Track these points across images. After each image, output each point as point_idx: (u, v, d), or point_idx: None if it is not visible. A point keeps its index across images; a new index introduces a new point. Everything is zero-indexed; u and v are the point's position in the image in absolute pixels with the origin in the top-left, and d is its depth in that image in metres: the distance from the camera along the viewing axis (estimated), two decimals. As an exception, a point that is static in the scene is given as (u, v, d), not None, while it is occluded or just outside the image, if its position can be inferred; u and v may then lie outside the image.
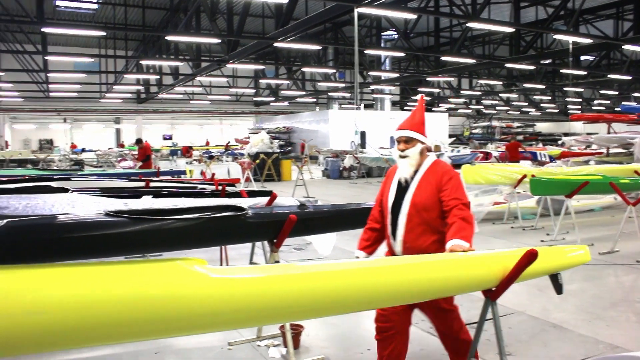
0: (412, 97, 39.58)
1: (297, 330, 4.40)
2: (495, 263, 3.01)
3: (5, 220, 3.42)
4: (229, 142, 34.74)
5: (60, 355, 4.40)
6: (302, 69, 30.89)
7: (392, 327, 3.40)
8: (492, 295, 3.04)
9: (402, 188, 3.44)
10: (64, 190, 5.42)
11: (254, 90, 37.34)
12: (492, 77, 32.45)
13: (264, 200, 4.77)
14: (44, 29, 17.31)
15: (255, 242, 4.65)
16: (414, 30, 23.13)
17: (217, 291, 2.21)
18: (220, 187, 5.74)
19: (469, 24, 17.49)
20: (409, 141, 3.46)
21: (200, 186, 6.42)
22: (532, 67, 26.98)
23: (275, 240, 3.86)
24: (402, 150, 3.45)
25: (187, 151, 30.54)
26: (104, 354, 4.43)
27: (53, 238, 3.41)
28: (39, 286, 2.11)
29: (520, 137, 38.35)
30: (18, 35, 26.58)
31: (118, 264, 2.33)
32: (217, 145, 35.79)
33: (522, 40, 22.54)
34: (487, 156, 21.63)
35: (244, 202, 4.32)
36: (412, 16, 19.11)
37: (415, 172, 3.44)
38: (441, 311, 3.52)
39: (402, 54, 26.37)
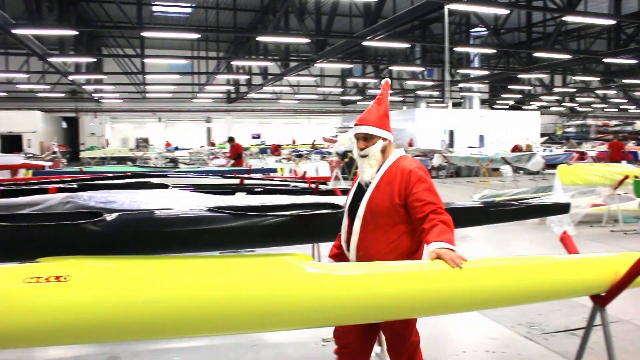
0: (502, 95, 38.42)
1: (391, 330, 4.36)
2: (605, 267, 2.85)
3: (116, 214, 3.61)
4: (314, 141, 35.05)
5: (160, 343, 4.59)
6: (389, 68, 30.64)
7: (347, 344, 3.04)
8: (601, 301, 2.90)
9: (362, 190, 3.04)
10: (164, 186, 5.65)
11: (341, 89, 37.48)
12: (587, 73, 30.88)
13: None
14: (143, 33, 18.12)
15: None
16: (504, 26, 22.42)
17: (323, 287, 2.22)
18: (312, 185, 5.79)
19: (564, 18, 16.74)
20: (368, 138, 3.04)
21: (292, 184, 6.50)
22: (633, 62, 25.49)
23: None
24: (362, 149, 3.04)
25: (276, 149, 31.06)
26: (201, 344, 4.57)
27: (160, 231, 3.56)
28: (155, 276, 2.20)
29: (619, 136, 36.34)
30: (119, 40, 28.06)
31: (226, 258, 2.40)
32: (303, 144, 36.19)
33: (622, 33, 21.32)
34: (582, 156, 20.71)
35: (338, 200, 4.33)
36: (504, 11, 18.49)
37: (377, 171, 3.04)
38: (398, 337, 3.01)
39: (493, 51, 25.65)
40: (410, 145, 28.20)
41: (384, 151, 3.05)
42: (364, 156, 3.02)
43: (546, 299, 3.03)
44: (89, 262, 2.26)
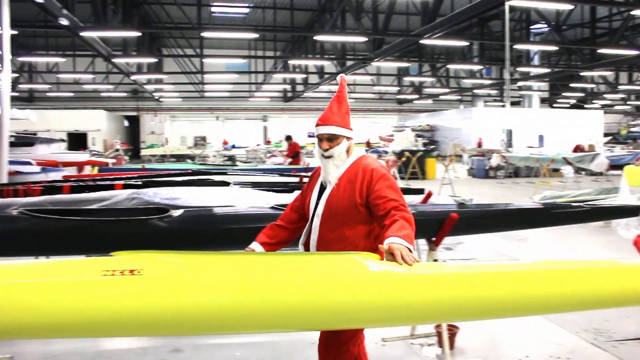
0: (563, 94, 37.35)
1: (452, 331, 4.31)
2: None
3: (181, 210, 3.71)
4: (369, 140, 34.93)
5: (222, 338, 4.68)
6: (446, 66, 30.27)
7: None
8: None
9: (322, 189, 2.95)
10: (225, 184, 5.75)
11: (398, 88, 37.23)
12: (656, 70, 29.73)
13: (417, 198, 4.72)
14: (203, 34, 18.48)
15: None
16: (566, 22, 21.77)
17: (389, 286, 2.22)
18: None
19: (633, 12, 16.11)
20: (332, 139, 2.91)
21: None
22: None
23: (434, 239, 3.81)
24: (326, 150, 2.89)
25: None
26: (262, 340, 4.64)
27: (223, 228, 3.64)
28: (223, 272, 2.25)
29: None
30: (179, 40, 28.75)
31: (293, 255, 2.42)
32: (358, 143, 36.04)
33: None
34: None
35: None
36: (568, 6, 17.97)
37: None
38: (338, 345, 2.87)
39: (554, 48, 24.95)
40: (480, 145, 27.55)
41: (348, 151, 2.96)
42: (328, 157, 2.89)
43: (618, 305, 2.91)
44: (160, 256, 2.33)
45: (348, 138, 2.96)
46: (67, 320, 2.12)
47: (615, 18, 22.60)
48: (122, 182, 6.01)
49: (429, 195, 4.41)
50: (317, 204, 2.91)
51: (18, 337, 2.58)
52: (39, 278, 2.22)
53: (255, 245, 2.91)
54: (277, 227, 3.04)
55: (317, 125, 2.97)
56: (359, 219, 2.84)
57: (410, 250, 2.46)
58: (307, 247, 2.96)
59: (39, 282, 2.19)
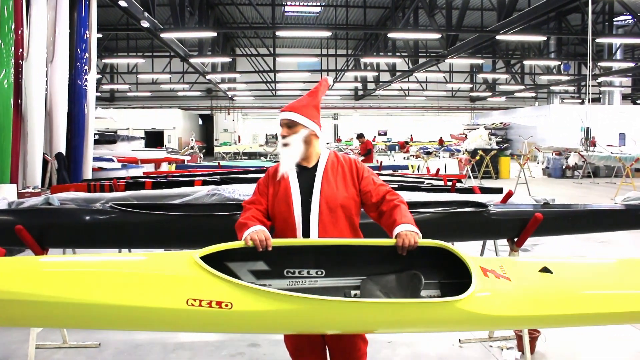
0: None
1: (533, 335, 4.19)
2: None
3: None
4: (441, 138, 34.44)
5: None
6: (522, 62, 29.42)
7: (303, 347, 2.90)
8: None
9: (303, 186, 2.80)
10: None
11: (470, 85, 36.51)
12: None
13: (497, 197, 4.62)
14: (278, 33, 18.72)
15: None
16: (654, 13, 20.70)
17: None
18: (449, 183, 5.70)
19: None
20: (291, 126, 2.80)
21: (426, 181, 6.43)
22: None
23: (516, 239, 3.72)
24: (284, 137, 2.81)
25: (403, 146, 30.85)
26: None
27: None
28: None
29: None
30: (253, 40, 29.27)
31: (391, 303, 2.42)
32: (430, 141, 35.66)
33: None
34: None
35: (479, 199, 4.22)
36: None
37: (316, 165, 2.83)
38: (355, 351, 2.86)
39: (639, 41, 23.77)
40: (593, 144, 26.05)
41: (307, 142, 2.83)
42: (285, 145, 2.81)
43: None
44: (250, 289, 2.26)
45: (311, 132, 2.84)
46: (155, 312, 2.19)
47: None
48: (201, 178, 6.19)
49: (510, 194, 4.30)
50: (306, 201, 2.78)
51: (107, 328, 2.67)
52: (129, 269, 2.31)
53: (259, 227, 2.72)
54: (261, 216, 2.84)
55: (281, 111, 2.88)
56: (356, 210, 2.85)
57: (417, 234, 2.58)
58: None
59: (127, 273, 2.27)
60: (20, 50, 8.30)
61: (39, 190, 8.03)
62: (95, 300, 2.15)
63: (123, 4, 12.01)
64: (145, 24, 13.90)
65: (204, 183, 5.81)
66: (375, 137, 38.61)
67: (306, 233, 2.75)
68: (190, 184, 5.88)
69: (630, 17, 21.03)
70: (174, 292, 2.19)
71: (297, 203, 2.77)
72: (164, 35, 15.79)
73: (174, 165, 14.89)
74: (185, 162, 16.96)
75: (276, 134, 38.65)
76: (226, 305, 2.13)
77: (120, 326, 2.16)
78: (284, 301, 2.17)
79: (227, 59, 28.39)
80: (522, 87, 33.33)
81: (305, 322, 2.27)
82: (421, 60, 24.53)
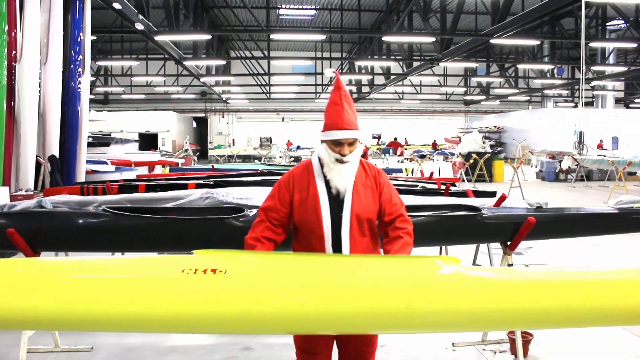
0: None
1: (526, 338, 4.20)
2: None
3: (256, 209, 3.75)
4: (435, 141, 34.50)
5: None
6: (516, 66, 29.51)
7: (318, 352, 2.84)
8: None
9: (332, 196, 2.72)
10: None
11: (464, 89, 36.62)
12: None
13: (490, 200, 4.63)
14: (272, 36, 18.73)
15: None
16: (646, 17, 20.81)
17: (471, 291, 2.19)
18: (442, 187, 5.70)
19: None
20: (353, 143, 2.72)
21: (420, 184, 6.44)
22: None
23: (509, 243, 3.72)
24: (345, 156, 2.67)
25: (393, 145, 30.90)
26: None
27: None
28: (305, 272, 2.27)
29: None
30: (247, 43, 29.26)
31: (373, 258, 2.42)
32: (424, 144, 35.70)
33: None
34: None
35: (472, 202, 4.23)
36: (647, 1, 17.19)
37: None
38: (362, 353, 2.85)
39: (632, 45, 23.86)
40: (600, 147, 26.08)
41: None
42: (345, 162, 2.69)
43: None
44: (243, 256, 2.36)
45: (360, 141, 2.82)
46: (147, 315, 2.18)
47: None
48: (194, 181, 6.17)
49: (503, 198, 4.31)
50: (337, 214, 2.70)
51: (102, 330, 2.67)
52: (120, 274, 2.31)
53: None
54: (268, 242, 2.73)
55: (339, 128, 2.68)
56: (376, 221, 2.84)
57: None
58: None
59: (121, 278, 2.27)
60: (14, 52, 8.28)
61: (32, 193, 8.01)
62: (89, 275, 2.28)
63: (117, 6, 12.00)
64: (139, 26, 13.89)
65: (198, 186, 5.79)
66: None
67: (336, 246, 2.69)
68: (184, 187, 5.85)
69: (623, 21, 21.14)
70: (169, 265, 2.29)
71: (327, 215, 2.70)
72: (158, 38, 15.76)
73: (168, 168, 14.85)
74: (180, 165, 16.93)
75: (270, 137, 38.95)
76: (221, 271, 2.18)
77: (116, 306, 2.16)
78: (279, 260, 2.30)
79: (222, 62, 28.35)
80: (516, 90, 33.45)
81: (303, 278, 2.29)
82: (415, 64, 24.59)
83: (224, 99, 37.60)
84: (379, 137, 40.30)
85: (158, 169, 16.07)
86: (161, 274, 2.27)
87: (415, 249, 2.78)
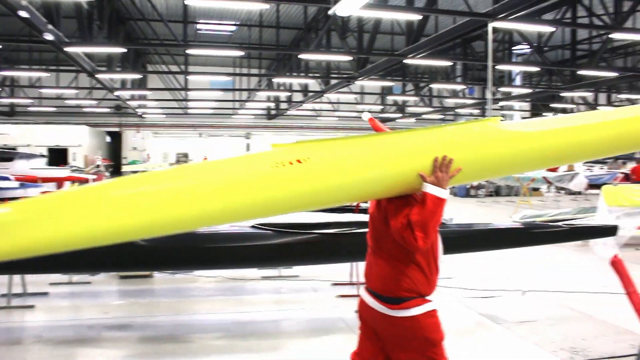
0: (544, 114, 37.73)
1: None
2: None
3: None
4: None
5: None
6: (429, 85, 30.54)
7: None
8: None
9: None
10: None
11: (381, 107, 37.44)
12: (634, 91, 30.17)
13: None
14: (188, 51, 18.49)
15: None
16: (548, 44, 22.12)
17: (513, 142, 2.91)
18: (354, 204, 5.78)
19: (611, 35, 16.42)
20: None
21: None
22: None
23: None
24: None
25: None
26: None
27: (206, 247, 3.61)
28: (369, 152, 2.70)
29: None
30: (165, 57, 28.73)
31: (428, 130, 2.98)
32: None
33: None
34: (628, 176, 20.19)
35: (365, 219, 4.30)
36: (549, 29, 18.29)
37: None
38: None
39: (536, 69, 25.30)
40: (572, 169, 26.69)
41: None
42: None
43: None
44: (315, 144, 2.62)
45: None
46: (256, 202, 2.39)
47: (595, 41, 23.02)
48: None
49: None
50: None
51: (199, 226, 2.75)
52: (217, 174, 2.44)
53: None
54: None
55: None
56: None
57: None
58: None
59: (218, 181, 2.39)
60: None
61: None
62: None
63: (24, 14, 11.46)
64: (48, 36, 13.33)
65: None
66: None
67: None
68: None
69: (528, 46, 22.38)
70: (258, 162, 2.51)
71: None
72: (69, 49, 15.20)
73: (77, 185, 14.29)
74: (90, 182, 16.34)
75: (187, 153, 38.23)
76: (305, 160, 2.45)
77: (216, 202, 2.32)
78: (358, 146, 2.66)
79: (138, 76, 27.70)
80: (430, 109, 34.53)
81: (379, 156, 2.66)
82: (333, 82, 24.95)
83: (139, 113, 36.67)
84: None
85: (67, 186, 15.44)
86: (255, 170, 2.44)
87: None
